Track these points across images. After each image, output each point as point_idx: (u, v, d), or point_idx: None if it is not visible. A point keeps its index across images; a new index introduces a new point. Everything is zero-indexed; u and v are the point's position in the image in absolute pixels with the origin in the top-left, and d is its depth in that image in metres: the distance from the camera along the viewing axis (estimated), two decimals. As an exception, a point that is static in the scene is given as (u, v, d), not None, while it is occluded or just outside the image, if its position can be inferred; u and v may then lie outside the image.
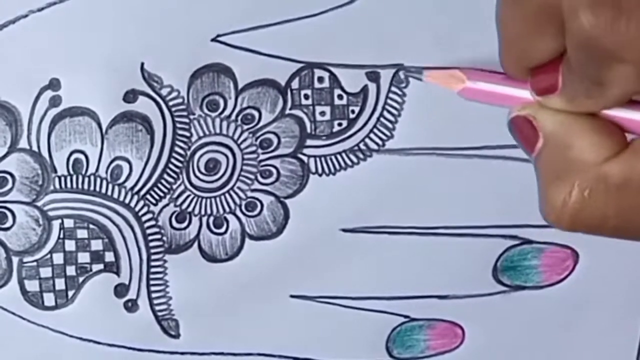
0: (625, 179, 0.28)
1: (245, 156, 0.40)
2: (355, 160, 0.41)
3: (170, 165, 0.40)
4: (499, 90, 0.34)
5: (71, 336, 0.41)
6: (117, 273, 0.40)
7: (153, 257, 0.40)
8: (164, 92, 0.40)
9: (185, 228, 0.41)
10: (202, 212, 0.40)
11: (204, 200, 0.40)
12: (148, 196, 0.40)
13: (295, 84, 0.40)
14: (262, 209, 0.41)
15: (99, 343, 0.41)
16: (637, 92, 0.28)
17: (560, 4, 0.27)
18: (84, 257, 0.40)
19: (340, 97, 0.40)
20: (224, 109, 0.40)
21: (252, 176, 0.41)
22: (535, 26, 0.28)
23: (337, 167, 0.41)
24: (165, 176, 0.40)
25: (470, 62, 0.39)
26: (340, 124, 0.41)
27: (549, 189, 0.29)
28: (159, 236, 0.40)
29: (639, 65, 0.27)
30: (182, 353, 0.41)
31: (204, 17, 0.39)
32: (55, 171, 0.40)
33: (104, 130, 0.40)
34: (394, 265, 0.41)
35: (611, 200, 0.28)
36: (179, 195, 0.40)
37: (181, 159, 0.40)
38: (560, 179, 0.29)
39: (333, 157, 0.41)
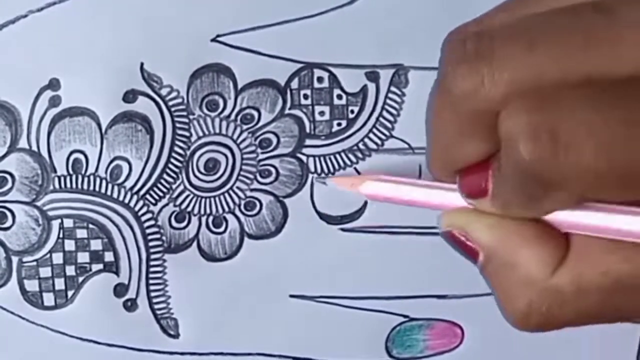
0: (577, 286, 0.28)
1: (245, 156, 0.40)
2: (354, 160, 0.41)
3: (170, 165, 0.40)
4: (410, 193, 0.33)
5: (71, 336, 0.41)
6: (117, 273, 0.40)
7: (152, 256, 0.40)
8: (163, 92, 0.40)
9: (184, 228, 0.41)
10: (202, 211, 0.40)
11: (203, 200, 0.40)
12: (147, 196, 0.40)
13: (294, 84, 0.40)
14: (261, 209, 0.41)
15: (98, 343, 0.41)
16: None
17: (497, 123, 0.26)
18: (83, 257, 0.40)
19: (339, 97, 0.40)
20: (224, 109, 0.40)
21: (251, 176, 0.41)
22: (467, 132, 0.27)
23: (336, 166, 0.41)
24: (165, 176, 0.40)
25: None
26: (339, 124, 0.41)
27: (505, 303, 0.29)
28: (158, 236, 0.40)
29: (574, 193, 0.26)
30: (182, 353, 0.41)
31: (203, 17, 0.39)
32: (55, 171, 0.40)
33: (103, 130, 0.40)
34: (393, 265, 0.41)
35: (570, 308, 0.28)
36: (178, 195, 0.40)
37: (181, 158, 0.40)
38: (514, 296, 0.29)
39: (332, 157, 0.41)
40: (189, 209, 0.40)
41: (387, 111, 0.41)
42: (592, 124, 0.24)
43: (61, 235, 0.40)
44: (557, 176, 0.25)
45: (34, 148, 0.39)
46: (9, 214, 0.40)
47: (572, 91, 0.25)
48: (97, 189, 0.40)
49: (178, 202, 0.40)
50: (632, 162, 0.24)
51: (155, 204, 0.40)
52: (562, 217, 0.28)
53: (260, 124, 0.40)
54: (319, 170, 0.41)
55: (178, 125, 0.40)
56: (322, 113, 0.40)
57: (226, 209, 0.41)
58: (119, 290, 0.41)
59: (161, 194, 0.40)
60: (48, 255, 0.40)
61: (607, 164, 0.24)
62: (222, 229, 0.41)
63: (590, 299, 0.28)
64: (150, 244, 0.40)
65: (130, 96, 0.40)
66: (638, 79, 0.25)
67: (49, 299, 0.40)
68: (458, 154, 0.29)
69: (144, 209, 0.40)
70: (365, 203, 0.41)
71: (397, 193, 0.34)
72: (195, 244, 0.41)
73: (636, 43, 0.25)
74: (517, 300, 0.28)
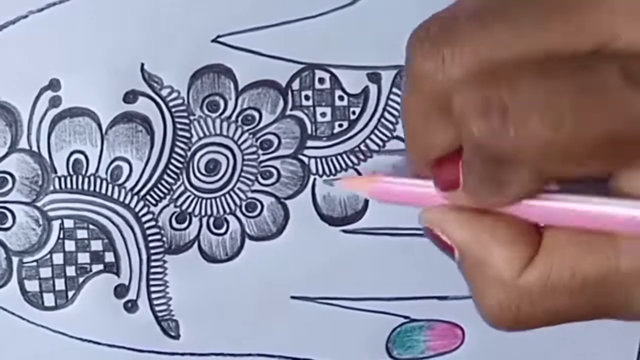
0: (544, 287, 0.28)
1: (246, 157, 0.40)
2: (356, 161, 0.41)
3: (171, 166, 0.40)
4: (414, 188, 0.32)
5: (71, 336, 0.41)
6: (117, 273, 0.40)
7: (153, 257, 0.40)
8: (164, 92, 0.40)
9: (185, 229, 0.40)
10: (202, 212, 0.40)
11: (204, 201, 0.40)
12: (148, 197, 0.40)
13: (295, 85, 0.40)
14: (262, 210, 0.41)
15: (98, 343, 0.41)
16: (535, 191, 0.28)
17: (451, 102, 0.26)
18: (83, 258, 0.40)
19: (341, 98, 0.40)
20: (224, 110, 0.40)
21: (252, 177, 0.40)
22: (430, 116, 0.27)
23: (338, 168, 0.41)
24: (165, 177, 0.40)
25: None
26: (341, 125, 0.41)
27: (479, 299, 0.29)
28: (159, 237, 0.40)
29: (532, 167, 0.26)
30: (182, 354, 0.41)
31: (204, 18, 0.39)
32: (55, 171, 0.40)
33: (104, 131, 0.40)
34: (394, 266, 0.41)
35: (539, 307, 0.28)
36: (179, 196, 0.40)
37: (181, 159, 0.40)
38: (486, 294, 0.28)
39: (334, 158, 0.41)
40: (190, 210, 0.40)
41: (389, 112, 0.40)
42: (542, 94, 0.24)
43: (61, 236, 0.40)
44: (510, 150, 0.25)
45: (35, 148, 0.39)
46: (9, 214, 0.40)
47: (525, 65, 0.25)
48: (97, 189, 0.40)
49: (179, 203, 0.40)
50: (583, 132, 0.24)
51: (155, 205, 0.40)
52: (534, 209, 0.28)
53: (261, 125, 0.40)
54: (320, 171, 0.41)
55: (179, 126, 0.40)
56: (323, 114, 0.40)
57: (227, 210, 0.41)
58: (120, 291, 0.41)
59: (162, 194, 0.40)
60: (48, 256, 0.40)
61: (557, 134, 0.24)
62: (223, 230, 0.41)
63: (559, 298, 0.28)
64: (151, 244, 0.40)
65: (130, 97, 0.39)
66: (594, 53, 0.25)
67: (49, 299, 0.40)
68: (428, 143, 0.28)
69: (145, 210, 0.40)
70: (366, 205, 0.41)
71: (404, 194, 0.33)
72: (196, 245, 0.41)
73: (595, 19, 0.25)
74: (489, 298, 0.28)
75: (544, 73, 0.25)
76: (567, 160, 0.25)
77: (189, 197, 0.40)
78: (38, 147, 0.39)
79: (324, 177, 0.41)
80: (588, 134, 0.24)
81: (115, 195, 0.40)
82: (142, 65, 0.39)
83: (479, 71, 0.25)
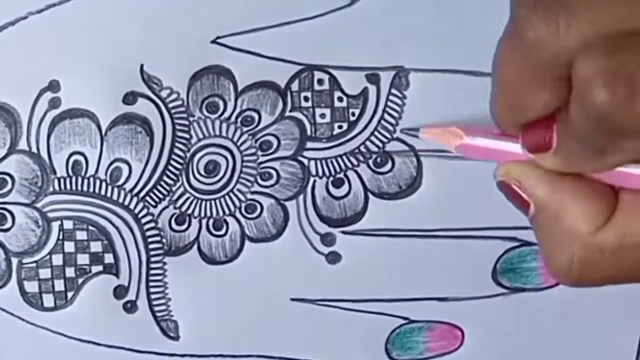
0: (618, 245, 0.29)
1: (245, 158, 0.40)
2: (355, 162, 0.41)
3: (170, 167, 0.40)
4: (498, 146, 0.33)
5: (70, 337, 0.41)
6: (117, 275, 0.40)
7: (152, 259, 0.40)
8: (163, 94, 0.40)
9: (184, 230, 0.40)
10: (202, 214, 0.40)
11: (203, 203, 0.40)
12: (147, 198, 0.40)
13: (295, 86, 0.40)
14: (261, 211, 0.41)
15: (98, 344, 0.41)
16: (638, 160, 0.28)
17: (572, 69, 0.26)
18: (83, 259, 0.40)
19: (340, 99, 0.40)
20: (224, 111, 0.40)
21: (251, 178, 0.40)
22: (536, 81, 0.27)
23: (338, 169, 0.41)
24: (165, 178, 0.40)
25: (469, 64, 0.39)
26: (340, 127, 0.40)
27: (549, 254, 0.30)
28: (158, 238, 0.40)
29: None
30: (182, 355, 0.41)
31: (203, 19, 0.39)
32: (55, 173, 0.40)
33: (103, 132, 0.40)
34: (394, 268, 0.41)
35: (608, 265, 0.29)
36: (178, 198, 0.40)
37: (181, 161, 0.40)
38: (558, 248, 0.29)
39: (333, 160, 0.41)
40: (189, 211, 0.40)
41: (389, 114, 0.40)
42: None
43: (61, 237, 0.40)
44: (631, 123, 0.25)
45: (34, 150, 0.39)
46: (8, 215, 0.40)
47: None
48: (97, 190, 0.40)
49: (178, 205, 0.40)
50: None
51: (155, 206, 0.40)
52: (615, 173, 0.29)
53: (261, 126, 0.40)
54: (320, 173, 0.41)
55: (178, 127, 0.40)
56: (322, 115, 0.40)
57: (227, 211, 0.41)
58: (119, 292, 0.41)
59: (161, 196, 0.40)
60: (48, 257, 0.40)
61: None
62: (222, 232, 0.41)
63: (630, 258, 0.29)
64: (151, 246, 0.40)
65: (130, 98, 0.39)
66: None
67: (48, 300, 0.40)
68: (525, 106, 0.29)
69: (144, 211, 0.40)
70: (366, 206, 0.41)
71: (484, 150, 0.34)
72: (195, 246, 0.41)
73: None
74: (560, 253, 0.29)
75: None
76: None
77: (188, 198, 0.40)
78: (37, 148, 0.39)
79: (403, 130, 0.40)
80: None
81: (115, 197, 0.40)
82: (142, 66, 0.39)
83: (596, 41, 0.25)
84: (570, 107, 0.27)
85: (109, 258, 0.40)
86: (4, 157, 0.39)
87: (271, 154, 0.40)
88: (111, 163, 0.40)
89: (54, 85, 0.39)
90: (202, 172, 0.40)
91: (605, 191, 0.29)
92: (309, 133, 0.40)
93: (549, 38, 0.26)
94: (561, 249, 0.29)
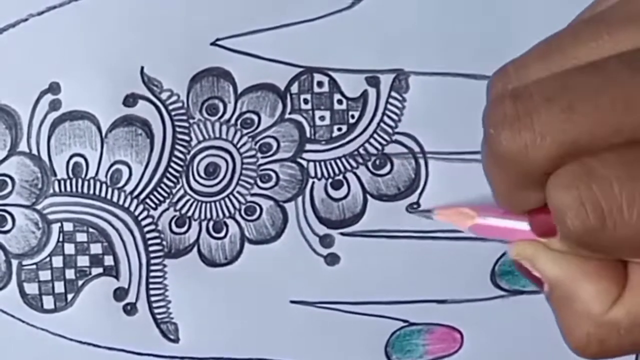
0: (633, 321, 0.29)
1: (245, 160, 0.40)
2: (354, 165, 0.41)
3: (170, 170, 0.40)
4: (509, 225, 0.33)
5: (70, 339, 0.41)
6: (117, 277, 0.40)
7: (152, 261, 0.40)
8: (163, 96, 0.40)
9: (184, 232, 0.40)
10: (202, 216, 0.40)
11: (203, 205, 0.40)
12: (148, 200, 0.40)
13: (294, 89, 0.40)
14: (261, 213, 0.41)
15: (98, 346, 0.41)
16: None
17: (545, 192, 0.27)
18: (83, 261, 0.40)
19: (339, 101, 0.40)
20: (224, 113, 0.40)
21: (251, 180, 0.41)
22: (521, 187, 0.29)
23: (337, 171, 0.41)
24: (165, 180, 0.40)
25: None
26: (339, 129, 0.41)
27: (567, 331, 0.31)
28: (158, 240, 0.40)
29: (629, 255, 0.28)
30: (182, 357, 0.41)
31: (203, 21, 0.39)
32: (55, 175, 0.40)
33: (103, 134, 0.40)
34: (393, 270, 0.41)
35: (626, 340, 0.30)
36: (178, 200, 0.40)
37: (181, 163, 0.40)
38: (575, 326, 0.30)
39: (333, 162, 0.41)
40: (189, 213, 0.40)
41: (388, 116, 0.40)
42: (634, 191, 0.26)
43: (61, 239, 0.40)
44: (607, 245, 0.27)
45: (34, 151, 0.39)
46: (8, 217, 0.40)
47: (614, 157, 0.26)
48: (97, 192, 0.40)
49: (178, 207, 0.40)
50: None
51: (155, 209, 0.40)
52: None
53: (260, 128, 0.40)
54: (319, 175, 0.41)
55: (178, 129, 0.40)
56: (322, 118, 0.40)
57: (226, 213, 0.41)
58: (119, 294, 0.41)
59: (161, 198, 0.40)
60: (48, 259, 0.40)
61: None
62: (222, 234, 0.41)
63: None
64: (151, 248, 0.40)
65: (130, 100, 0.40)
66: None
67: (48, 302, 0.40)
68: (518, 202, 0.30)
69: (144, 214, 0.40)
70: (365, 208, 0.41)
71: (495, 230, 0.34)
72: (195, 249, 0.41)
73: None
74: (576, 330, 0.30)
75: (632, 171, 0.26)
76: None
77: (188, 200, 0.40)
78: (38, 150, 0.39)
79: (415, 210, 0.41)
80: None
81: (115, 199, 0.40)
82: (142, 68, 0.39)
83: (565, 154, 0.26)
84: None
85: (109, 260, 0.40)
86: (5, 159, 0.39)
87: (270, 156, 0.40)
88: (111, 165, 0.40)
89: (54, 87, 0.39)
90: (202, 174, 0.40)
91: (614, 266, 0.30)
92: (308, 135, 0.40)
93: (519, 156, 0.27)
94: (578, 327, 0.30)
